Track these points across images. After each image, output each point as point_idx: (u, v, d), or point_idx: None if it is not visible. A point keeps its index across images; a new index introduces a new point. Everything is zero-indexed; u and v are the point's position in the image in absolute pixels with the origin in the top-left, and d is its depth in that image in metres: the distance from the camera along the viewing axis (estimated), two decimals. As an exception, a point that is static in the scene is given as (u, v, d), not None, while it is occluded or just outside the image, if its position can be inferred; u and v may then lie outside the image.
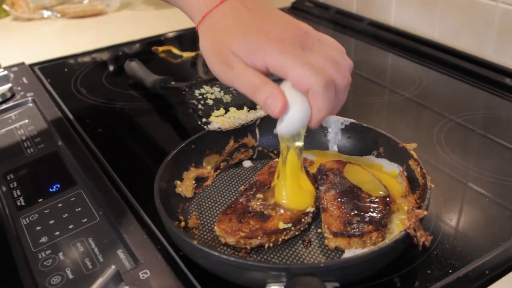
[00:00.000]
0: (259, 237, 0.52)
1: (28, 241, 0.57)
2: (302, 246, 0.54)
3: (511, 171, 0.68)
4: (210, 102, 0.72)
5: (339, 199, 0.57)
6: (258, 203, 0.57)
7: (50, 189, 0.66)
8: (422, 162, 0.59)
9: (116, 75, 1.05)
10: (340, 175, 0.62)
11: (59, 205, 0.62)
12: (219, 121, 0.67)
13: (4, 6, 1.38)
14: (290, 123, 0.49)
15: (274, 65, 0.48)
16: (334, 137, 0.70)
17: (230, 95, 0.73)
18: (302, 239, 0.55)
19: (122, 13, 1.44)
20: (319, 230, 0.56)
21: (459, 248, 0.54)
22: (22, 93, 0.90)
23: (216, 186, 0.65)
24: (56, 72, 1.04)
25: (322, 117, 0.49)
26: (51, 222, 0.60)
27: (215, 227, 0.55)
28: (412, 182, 0.60)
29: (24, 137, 0.78)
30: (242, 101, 0.71)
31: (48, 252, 0.55)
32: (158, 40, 1.21)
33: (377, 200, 0.56)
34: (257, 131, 0.71)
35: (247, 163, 0.69)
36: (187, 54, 1.11)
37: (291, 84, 0.48)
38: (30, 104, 0.88)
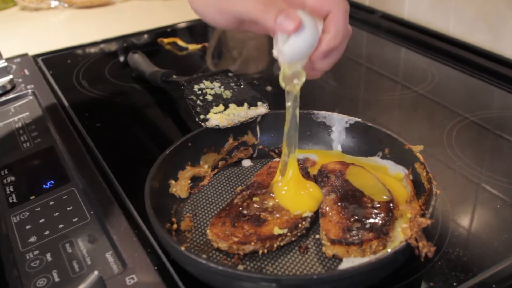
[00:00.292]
0: (252, 243, 0.50)
1: (17, 240, 0.56)
2: (298, 253, 0.51)
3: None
4: (210, 97, 0.69)
5: (340, 204, 0.55)
6: (254, 206, 0.55)
7: (44, 186, 0.64)
8: (431, 163, 0.56)
9: (119, 67, 1.03)
10: (342, 178, 0.59)
11: (51, 203, 0.61)
12: (218, 118, 0.64)
13: (12, -4, 1.37)
14: (296, 47, 0.47)
15: None
16: (338, 137, 0.67)
17: (231, 90, 0.71)
18: (299, 245, 0.52)
19: (130, 3, 1.42)
20: (317, 236, 0.54)
21: (465, 258, 0.51)
22: (22, 85, 0.89)
23: (213, 186, 0.62)
24: (59, 64, 1.02)
25: (332, 45, 0.48)
26: (42, 221, 0.58)
27: (208, 231, 0.53)
28: (418, 187, 0.57)
29: (21, 131, 0.77)
30: (243, 97, 0.69)
31: (36, 253, 0.54)
32: (165, 31, 1.19)
33: (379, 205, 0.53)
34: (257, 128, 0.68)
35: (246, 162, 0.67)
36: (192, 47, 1.09)
37: (307, 10, 0.47)
38: (30, 97, 0.86)
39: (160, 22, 1.23)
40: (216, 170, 0.65)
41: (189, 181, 0.61)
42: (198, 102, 0.68)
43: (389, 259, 0.44)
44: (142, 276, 0.48)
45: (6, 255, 0.54)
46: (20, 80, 0.91)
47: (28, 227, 0.57)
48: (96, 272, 0.44)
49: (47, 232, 0.56)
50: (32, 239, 0.56)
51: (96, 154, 0.70)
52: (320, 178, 0.60)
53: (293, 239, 0.52)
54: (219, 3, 0.50)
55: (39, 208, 0.60)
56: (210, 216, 0.57)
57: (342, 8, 0.47)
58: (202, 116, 0.65)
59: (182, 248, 0.45)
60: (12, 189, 0.64)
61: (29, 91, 0.87)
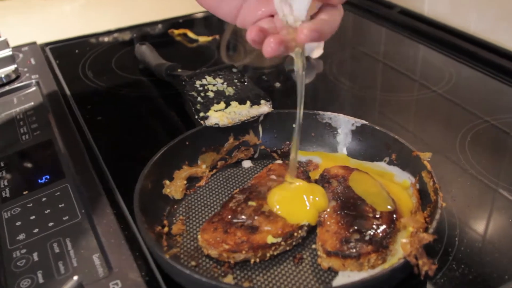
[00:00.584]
0: (243, 252, 0.47)
1: (6, 237, 0.54)
2: (292, 263, 0.49)
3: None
4: (211, 94, 0.66)
5: (339, 212, 0.52)
6: (248, 212, 0.52)
7: (40, 181, 0.62)
8: (440, 171, 0.52)
9: (127, 58, 1.01)
10: (345, 184, 0.56)
11: (43, 199, 0.59)
12: (218, 116, 0.62)
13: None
14: None
15: None
16: (344, 139, 0.64)
17: (234, 87, 0.68)
18: (294, 255, 0.50)
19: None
20: (313, 246, 0.51)
21: (470, 277, 0.47)
22: (27, 74, 0.88)
23: (210, 188, 0.60)
24: (66, 53, 1.01)
25: None
26: (32, 217, 0.56)
27: (198, 236, 0.50)
28: (424, 197, 0.53)
29: (22, 123, 0.75)
30: (246, 95, 0.66)
31: (23, 251, 0.52)
32: (177, 22, 1.16)
33: (381, 216, 0.50)
34: (260, 128, 0.65)
35: (246, 163, 0.64)
36: (203, 39, 1.06)
37: None
38: (34, 87, 0.85)
39: (174, 13, 1.20)
40: (214, 171, 0.62)
41: (185, 182, 0.59)
42: (199, 98, 0.65)
43: (385, 277, 0.41)
44: (127, 282, 0.46)
45: (-7, 253, 0.53)
46: (25, 69, 0.89)
47: (18, 223, 0.56)
48: (75, 278, 0.42)
49: (36, 230, 0.54)
50: (21, 236, 0.54)
51: (94, 149, 0.68)
52: (322, 183, 0.57)
53: (287, 248, 0.50)
54: None
55: (31, 204, 0.58)
56: (203, 220, 0.55)
57: None
58: (201, 114, 0.62)
59: (167, 256, 0.43)
60: (6, 183, 0.63)
61: (33, 81, 0.85)
